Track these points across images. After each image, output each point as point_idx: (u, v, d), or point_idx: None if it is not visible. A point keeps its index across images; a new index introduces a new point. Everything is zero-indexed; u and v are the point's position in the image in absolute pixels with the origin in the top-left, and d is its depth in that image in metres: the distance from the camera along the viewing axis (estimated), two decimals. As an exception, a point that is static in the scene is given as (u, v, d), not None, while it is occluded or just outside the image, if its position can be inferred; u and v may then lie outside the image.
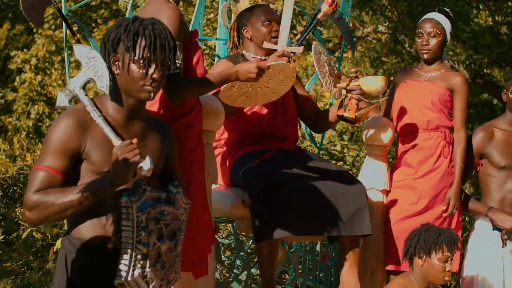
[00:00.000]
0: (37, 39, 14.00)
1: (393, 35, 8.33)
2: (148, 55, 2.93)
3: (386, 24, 8.44)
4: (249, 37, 4.42)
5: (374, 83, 4.28)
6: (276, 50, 4.14)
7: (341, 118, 4.37)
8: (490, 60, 8.58)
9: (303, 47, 4.19)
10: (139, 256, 2.94)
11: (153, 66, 2.94)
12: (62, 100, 3.09)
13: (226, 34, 4.85)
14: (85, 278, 2.97)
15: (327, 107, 7.22)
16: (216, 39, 4.84)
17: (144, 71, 2.93)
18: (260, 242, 4.12)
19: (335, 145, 7.76)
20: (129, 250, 2.93)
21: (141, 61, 2.93)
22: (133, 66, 2.94)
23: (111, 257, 2.96)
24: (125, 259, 2.94)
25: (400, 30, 8.07)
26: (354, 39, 8.21)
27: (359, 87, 4.29)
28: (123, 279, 2.93)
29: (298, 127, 4.89)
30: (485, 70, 9.13)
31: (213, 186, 4.15)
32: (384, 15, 8.21)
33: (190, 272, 3.68)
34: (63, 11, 4.14)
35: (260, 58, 4.39)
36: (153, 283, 3.00)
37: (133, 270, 2.94)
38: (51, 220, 2.97)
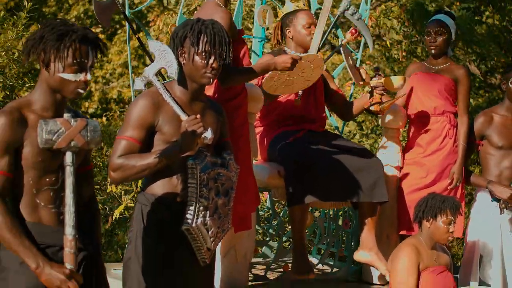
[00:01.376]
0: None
1: (410, 41, 8.80)
2: (209, 48, 3.56)
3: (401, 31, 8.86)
4: (291, 37, 5.15)
5: (395, 81, 5.06)
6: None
7: (367, 110, 5.13)
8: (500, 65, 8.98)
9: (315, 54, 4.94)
10: (201, 208, 3.47)
11: (213, 57, 3.58)
12: (138, 84, 3.77)
13: (262, 33, 5.59)
14: (158, 226, 3.52)
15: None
16: (253, 37, 5.55)
17: (205, 61, 3.57)
18: (293, 206, 4.84)
19: (355, 134, 8.40)
20: (193, 203, 3.46)
21: (203, 53, 3.57)
22: (197, 58, 3.59)
23: (179, 209, 3.53)
24: (190, 210, 3.46)
25: (415, 36, 8.61)
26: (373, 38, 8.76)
27: (382, 85, 5.03)
28: (189, 225, 3.46)
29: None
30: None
31: (253, 161, 4.90)
32: (401, 20, 8.69)
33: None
34: (127, 13, 4.85)
35: (299, 55, 5.12)
36: (211, 230, 3.53)
37: (197, 219, 3.47)
38: (131, 179, 3.62)
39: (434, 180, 5.45)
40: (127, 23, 4.83)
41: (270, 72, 4.54)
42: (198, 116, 3.50)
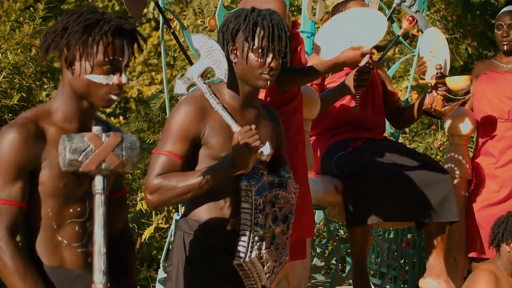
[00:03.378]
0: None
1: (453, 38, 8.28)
2: (267, 44, 3.02)
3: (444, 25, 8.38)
4: None
5: (460, 82, 4.44)
6: None
7: (427, 113, 4.51)
8: None
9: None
10: (256, 238, 3.04)
11: (271, 55, 3.03)
12: (180, 87, 3.20)
13: (312, 27, 4.97)
14: (204, 258, 3.05)
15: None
16: (301, 31, 4.94)
17: (262, 60, 3.02)
18: (353, 227, 4.25)
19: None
20: (247, 232, 3.03)
21: (260, 50, 3.02)
22: (252, 55, 3.04)
23: (228, 239, 3.05)
24: (243, 241, 3.03)
25: (459, 32, 8.06)
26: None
27: (445, 85, 4.42)
28: (241, 259, 3.02)
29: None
30: None
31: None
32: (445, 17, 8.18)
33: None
34: (160, 4, 4.26)
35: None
36: (267, 264, 3.09)
37: (251, 251, 3.04)
38: (171, 202, 3.08)
39: (509, 194, 4.87)
40: (160, 15, 4.21)
41: None
42: (253, 126, 2.99)
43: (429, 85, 4.50)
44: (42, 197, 2.39)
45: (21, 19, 4.67)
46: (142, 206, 5.17)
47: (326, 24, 3.98)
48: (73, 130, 2.43)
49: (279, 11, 3.55)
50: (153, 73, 13.22)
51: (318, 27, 5.14)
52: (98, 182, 2.31)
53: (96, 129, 2.32)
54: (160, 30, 4.29)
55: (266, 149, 2.99)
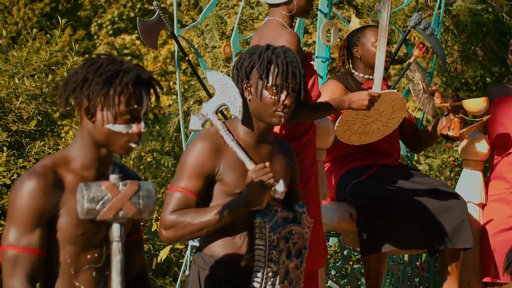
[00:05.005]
0: (98, 45, 14.25)
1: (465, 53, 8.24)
2: (281, 82, 3.04)
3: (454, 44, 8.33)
4: (359, 57, 4.53)
5: (477, 104, 4.44)
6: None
7: (445, 136, 4.51)
8: None
9: (396, 90, 4.34)
10: (270, 274, 3.06)
11: (285, 92, 3.06)
12: (195, 123, 3.23)
13: (326, 52, 4.98)
14: None
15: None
16: (316, 57, 4.95)
17: (276, 97, 3.05)
18: (368, 255, 4.25)
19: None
20: (261, 268, 3.06)
21: (274, 88, 3.05)
22: (266, 93, 3.07)
23: (243, 274, 3.07)
24: (258, 277, 3.06)
25: (471, 50, 8.03)
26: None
27: (462, 107, 4.42)
28: None
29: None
30: None
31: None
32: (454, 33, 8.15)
33: None
34: (176, 33, 4.28)
35: (369, 77, 4.51)
36: None
37: (265, 287, 3.07)
38: (186, 238, 3.12)
39: (523, 219, 4.81)
40: (176, 44, 4.23)
41: (343, 114, 3.91)
42: (267, 164, 2.99)
43: (447, 108, 4.49)
44: (60, 243, 2.42)
45: (38, 44, 4.71)
46: (157, 226, 5.19)
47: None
48: (91, 177, 2.46)
49: (292, 44, 3.58)
50: (170, 83, 13.29)
51: (333, 53, 5.17)
52: (116, 230, 2.34)
53: (113, 177, 2.34)
54: (176, 59, 4.31)
55: (280, 187, 3.02)
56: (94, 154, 2.46)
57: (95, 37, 14.51)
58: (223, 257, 3.10)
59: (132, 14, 14.13)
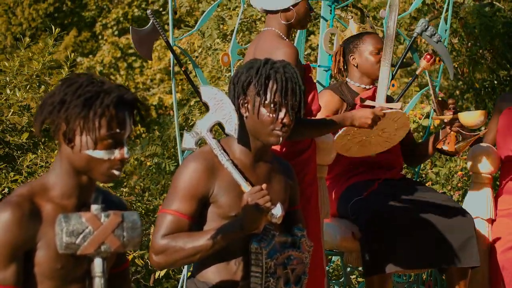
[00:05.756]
0: (102, 45, 14.14)
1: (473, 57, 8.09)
2: (279, 99, 2.88)
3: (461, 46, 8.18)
4: (355, 64, 4.34)
5: (474, 117, 4.20)
6: (374, 106, 4.04)
7: (440, 151, 4.32)
8: None
9: (401, 103, 4.15)
10: None
11: (284, 110, 2.90)
12: (188, 142, 3.07)
13: (329, 61, 4.79)
14: None
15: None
16: (318, 66, 4.77)
17: (274, 115, 2.89)
18: (371, 276, 4.07)
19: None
20: None
21: (272, 105, 2.89)
22: (263, 110, 2.90)
23: None
24: None
25: (478, 53, 7.86)
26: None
27: (458, 120, 4.22)
28: None
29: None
30: None
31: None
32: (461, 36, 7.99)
33: None
34: (171, 43, 4.11)
35: (365, 87, 4.33)
36: None
37: None
38: (178, 264, 2.97)
39: (533, 236, 4.64)
40: (171, 54, 4.06)
41: (344, 129, 3.73)
42: (264, 186, 2.83)
43: (444, 121, 4.30)
44: (39, 278, 2.26)
45: (30, 54, 4.54)
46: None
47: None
48: (71, 207, 2.29)
49: (290, 56, 3.40)
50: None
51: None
52: (97, 265, 2.17)
53: (94, 208, 2.18)
54: (171, 68, 4.14)
55: (278, 211, 2.86)
56: (74, 181, 2.29)
57: (100, 37, 14.41)
58: (217, 284, 2.95)
59: (137, 14, 14.02)
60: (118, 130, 2.24)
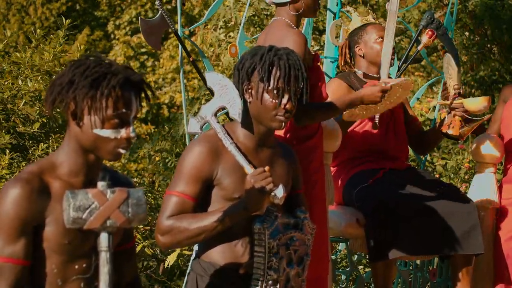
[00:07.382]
0: (115, 45, 14.25)
1: (481, 51, 8.12)
2: (282, 85, 2.95)
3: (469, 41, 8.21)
4: (362, 55, 4.43)
5: (477, 103, 4.33)
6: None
7: (445, 135, 4.43)
8: None
9: (403, 78, 4.23)
10: (270, 282, 2.98)
11: (286, 96, 2.96)
12: (193, 126, 3.16)
13: (335, 52, 4.87)
14: None
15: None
16: (325, 57, 4.85)
17: (277, 101, 2.96)
18: (375, 262, 4.15)
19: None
20: (260, 276, 2.97)
21: (275, 91, 2.96)
22: (267, 96, 2.97)
23: (242, 282, 2.99)
24: (257, 285, 2.98)
25: (487, 47, 7.90)
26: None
27: (462, 106, 4.31)
28: None
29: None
30: None
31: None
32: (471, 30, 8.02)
33: None
34: (179, 33, 4.20)
35: (373, 76, 4.41)
36: None
37: None
38: (183, 244, 3.04)
39: (537, 224, 4.68)
40: (179, 45, 4.15)
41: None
42: (267, 168, 2.91)
43: (447, 106, 4.41)
44: (47, 253, 2.34)
45: (41, 45, 4.63)
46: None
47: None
48: (78, 184, 2.37)
49: (299, 44, 3.48)
50: (185, 80, 13.24)
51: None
52: (103, 240, 2.25)
53: (101, 184, 2.26)
54: (180, 59, 4.22)
55: (280, 192, 2.92)
56: (82, 159, 2.38)
57: (112, 36, 14.53)
58: (221, 264, 3.02)
59: (150, 14, 14.13)
60: (124, 110, 2.32)
